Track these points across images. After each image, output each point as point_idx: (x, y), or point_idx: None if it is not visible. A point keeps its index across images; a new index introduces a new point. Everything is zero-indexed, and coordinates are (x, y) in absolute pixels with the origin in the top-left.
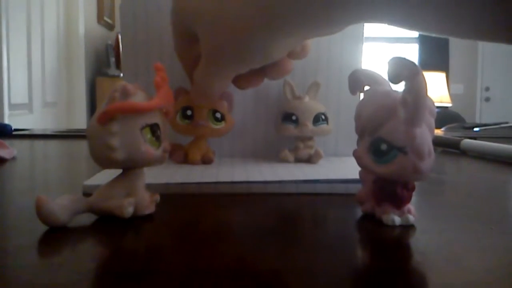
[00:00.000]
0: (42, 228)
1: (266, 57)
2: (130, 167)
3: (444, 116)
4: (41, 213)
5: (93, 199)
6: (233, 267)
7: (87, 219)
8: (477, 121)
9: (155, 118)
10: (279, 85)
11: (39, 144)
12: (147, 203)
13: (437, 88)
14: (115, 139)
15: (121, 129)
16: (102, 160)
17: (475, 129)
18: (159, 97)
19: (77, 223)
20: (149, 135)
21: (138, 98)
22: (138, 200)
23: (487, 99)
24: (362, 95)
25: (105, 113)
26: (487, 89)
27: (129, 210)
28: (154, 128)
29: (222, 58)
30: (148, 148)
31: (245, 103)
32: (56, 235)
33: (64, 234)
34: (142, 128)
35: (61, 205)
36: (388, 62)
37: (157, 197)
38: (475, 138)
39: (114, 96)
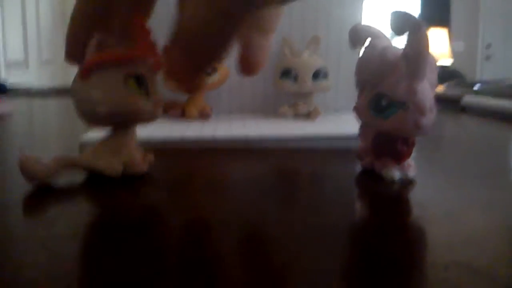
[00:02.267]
0: (36, 184)
1: None
2: (118, 123)
3: (445, 73)
4: (22, 170)
5: (81, 157)
6: (229, 220)
7: (79, 178)
8: (478, 79)
9: (140, 69)
10: (278, 41)
11: (35, 100)
12: (138, 162)
13: (439, 45)
14: (97, 91)
15: (102, 81)
16: (88, 116)
17: (476, 86)
18: (140, 46)
19: (69, 182)
20: (134, 87)
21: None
22: (128, 158)
23: (488, 57)
24: (362, 50)
25: (84, 67)
26: (488, 46)
27: (118, 169)
28: (140, 80)
29: None
30: (135, 99)
31: None
32: (50, 193)
33: (57, 192)
34: (126, 79)
35: (43, 163)
36: (391, 15)
37: (151, 157)
38: (475, 95)
39: (90, 49)
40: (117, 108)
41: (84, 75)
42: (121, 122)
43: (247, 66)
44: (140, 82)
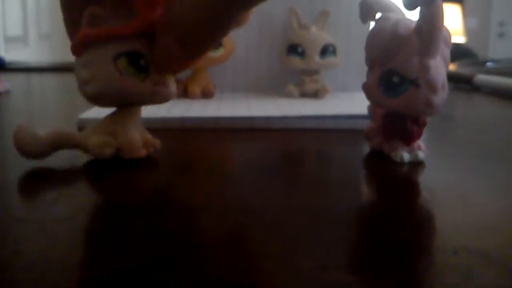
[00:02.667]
0: (33, 164)
1: None
2: (114, 103)
3: (457, 51)
4: (17, 146)
5: (76, 135)
6: (233, 205)
7: (78, 159)
8: (490, 57)
9: (135, 46)
10: (284, 14)
11: (34, 77)
12: (137, 146)
13: (451, 21)
14: (86, 70)
15: (92, 60)
16: (82, 94)
17: (488, 64)
18: (138, 19)
19: (68, 163)
20: (125, 67)
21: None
22: (125, 141)
23: (501, 35)
24: (373, 24)
25: (74, 43)
26: (501, 24)
27: (105, 151)
28: (133, 58)
29: None
30: (125, 81)
31: (247, 33)
32: (47, 174)
33: (55, 173)
34: (116, 58)
35: (38, 136)
36: None
37: (156, 143)
38: (488, 74)
39: (82, 23)
40: (104, 89)
41: (73, 51)
42: (115, 103)
43: None
44: (134, 60)
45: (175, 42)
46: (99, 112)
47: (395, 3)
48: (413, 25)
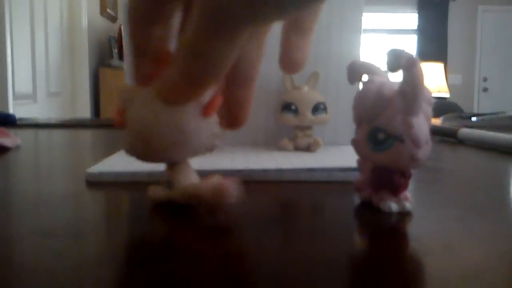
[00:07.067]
0: (46, 215)
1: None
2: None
3: (442, 106)
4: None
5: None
6: (231, 254)
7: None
8: (475, 111)
9: None
10: (279, 75)
11: (43, 133)
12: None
13: (435, 79)
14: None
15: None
16: (209, 148)
17: (473, 118)
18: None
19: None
20: None
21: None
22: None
23: (485, 90)
24: (360, 86)
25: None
26: (485, 79)
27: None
28: None
29: (229, 10)
30: None
31: None
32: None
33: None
34: None
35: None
36: (387, 53)
37: None
38: (472, 128)
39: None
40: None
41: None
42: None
43: (287, 65)
44: None
45: (179, 74)
46: (106, 167)
47: (379, 66)
48: (396, 86)
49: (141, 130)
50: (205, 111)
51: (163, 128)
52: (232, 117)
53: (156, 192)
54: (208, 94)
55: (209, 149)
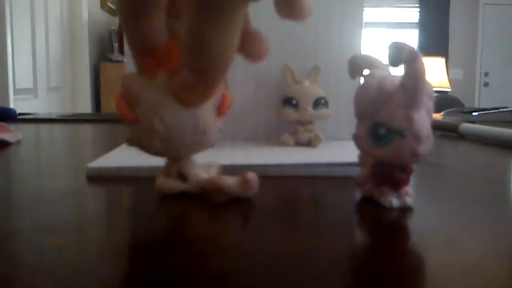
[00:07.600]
0: (47, 210)
1: None
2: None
3: (443, 101)
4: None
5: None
6: (232, 248)
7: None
8: (476, 106)
9: None
10: (280, 70)
11: (43, 128)
12: None
13: (437, 73)
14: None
15: None
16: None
17: (474, 113)
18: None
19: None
20: None
21: None
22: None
23: (486, 84)
24: (361, 80)
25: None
26: (486, 74)
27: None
28: None
29: None
30: None
31: (246, 87)
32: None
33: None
34: None
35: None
36: (388, 47)
37: None
38: (473, 122)
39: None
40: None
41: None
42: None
43: (249, 54)
44: None
45: (187, 69)
46: (107, 162)
47: (381, 61)
48: (398, 80)
49: (161, 131)
50: (220, 110)
51: (184, 129)
52: (253, 51)
53: (168, 184)
54: (217, 95)
55: (214, 144)
